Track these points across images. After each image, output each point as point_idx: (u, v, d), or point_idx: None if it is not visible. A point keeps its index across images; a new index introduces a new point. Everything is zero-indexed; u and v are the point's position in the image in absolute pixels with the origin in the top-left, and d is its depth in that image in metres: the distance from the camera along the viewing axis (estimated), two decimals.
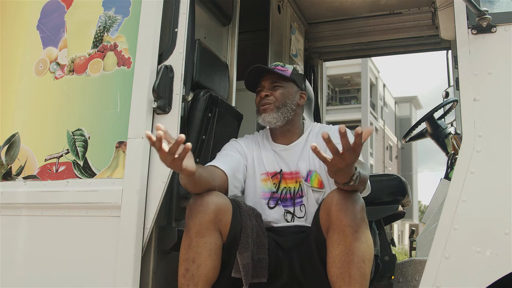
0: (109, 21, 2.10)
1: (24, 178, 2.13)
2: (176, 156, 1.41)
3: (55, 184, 2.04)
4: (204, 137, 2.10)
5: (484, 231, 1.55)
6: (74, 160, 2.04)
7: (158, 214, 1.83)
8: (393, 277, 2.43)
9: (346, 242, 1.58)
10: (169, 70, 1.91)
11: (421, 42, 3.43)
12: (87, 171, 2.00)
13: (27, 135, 2.18)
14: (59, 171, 2.06)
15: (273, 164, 2.00)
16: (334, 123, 2.34)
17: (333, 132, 1.85)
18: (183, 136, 1.37)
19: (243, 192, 2.00)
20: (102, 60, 2.07)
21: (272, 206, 1.95)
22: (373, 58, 25.10)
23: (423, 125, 2.79)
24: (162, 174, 1.84)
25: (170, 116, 1.88)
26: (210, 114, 2.12)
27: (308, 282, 1.78)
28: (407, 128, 2.94)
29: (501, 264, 1.51)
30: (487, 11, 1.64)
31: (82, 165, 2.02)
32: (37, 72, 2.22)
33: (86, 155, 2.02)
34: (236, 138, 2.17)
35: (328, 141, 1.36)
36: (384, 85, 30.66)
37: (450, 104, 2.70)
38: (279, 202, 1.95)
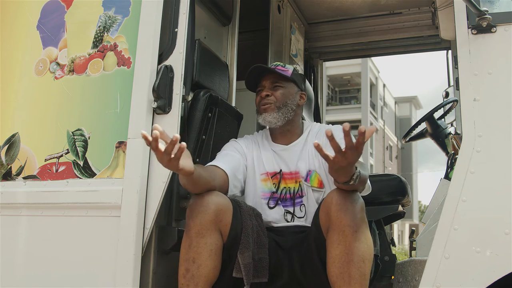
0: (109, 21, 2.10)
1: (24, 178, 2.13)
2: (172, 156, 1.41)
3: (55, 184, 2.04)
4: (204, 137, 2.10)
5: (484, 231, 1.55)
6: (74, 160, 2.04)
7: (158, 214, 1.83)
8: (393, 277, 2.43)
9: (345, 242, 1.58)
10: (169, 70, 1.91)
11: (421, 42, 3.43)
12: (87, 171, 2.00)
13: (27, 135, 2.18)
14: (59, 171, 2.06)
15: (273, 164, 2.00)
16: (334, 123, 2.34)
17: (335, 131, 1.85)
18: (177, 135, 1.37)
19: (242, 192, 2.00)
20: (102, 60, 2.07)
21: (272, 206, 1.95)
22: (373, 58, 25.10)
23: (423, 125, 2.79)
24: (162, 174, 1.84)
25: (170, 116, 1.88)
26: (210, 114, 2.12)
27: (308, 282, 1.78)
28: (407, 128, 2.94)
29: (501, 264, 1.51)
30: (487, 11, 1.64)
31: (82, 165, 2.02)
32: (37, 72, 2.22)
33: (86, 155, 2.02)
34: (236, 138, 2.17)
35: (331, 138, 1.36)
36: (384, 85, 30.66)
37: (450, 104, 2.70)
38: (279, 202, 1.95)
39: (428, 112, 2.72)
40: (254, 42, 3.22)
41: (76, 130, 2.06)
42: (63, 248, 1.97)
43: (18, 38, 2.33)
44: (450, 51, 3.10)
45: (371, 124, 25.50)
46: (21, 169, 2.15)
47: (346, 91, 30.17)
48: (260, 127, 2.15)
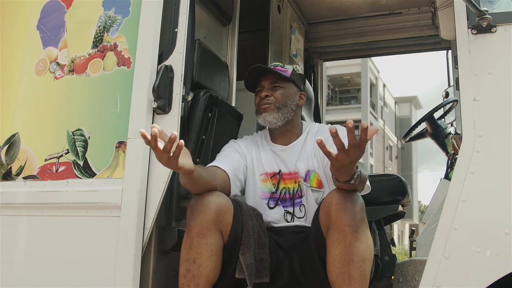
0: (109, 21, 2.10)
1: (24, 178, 2.13)
2: (171, 154, 1.42)
3: (55, 184, 2.04)
4: (204, 137, 2.10)
5: (484, 231, 1.55)
6: (74, 160, 2.04)
7: (158, 214, 1.83)
8: (393, 277, 2.43)
9: (345, 242, 1.58)
10: (169, 70, 1.91)
11: (421, 42, 3.43)
12: (87, 171, 2.00)
13: (27, 135, 2.18)
14: (59, 171, 2.06)
15: (272, 165, 2.00)
16: (334, 123, 2.34)
17: (338, 130, 1.85)
18: (175, 133, 1.38)
19: (243, 192, 2.00)
20: (102, 60, 2.07)
21: (272, 206, 1.95)
22: (373, 58, 25.10)
23: (423, 125, 2.79)
24: (162, 174, 1.84)
25: (170, 116, 1.88)
26: (210, 114, 2.12)
27: (308, 282, 1.78)
28: (407, 128, 2.93)
29: (501, 264, 1.51)
30: (487, 11, 1.64)
31: (82, 165, 2.02)
32: (37, 72, 2.22)
33: (86, 155, 2.02)
34: (236, 138, 2.17)
35: (335, 135, 1.36)
36: (384, 85, 30.66)
37: (450, 104, 2.70)
38: (279, 202, 1.95)
39: (428, 112, 2.72)
40: (254, 42, 3.22)
41: (76, 130, 2.06)
42: (63, 248, 1.97)
43: (18, 38, 2.33)
44: (450, 51, 3.10)
45: (371, 124, 25.51)
46: (21, 169, 2.15)
47: (346, 91, 30.16)
48: (260, 127, 2.15)
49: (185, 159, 1.51)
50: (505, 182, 1.56)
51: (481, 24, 1.66)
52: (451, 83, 2.92)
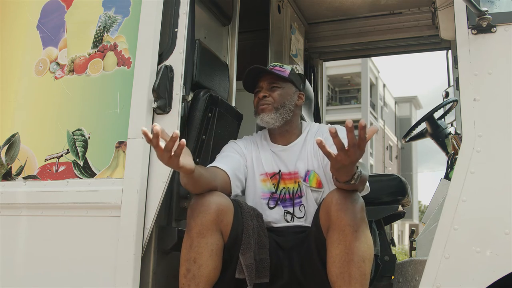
0: (109, 21, 2.10)
1: (24, 178, 2.13)
2: (172, 153, 1.42)
3: (55, 184, 2.04)
4: (204, 137, 2.10)
5: (484, 231, 1.55)
6: (74, 160, 2.04)
7: (158, 214, 1.83)
8: (393, 277, 2.43)
9: (346, 242, 1.58)
10: (169, 70, 1.91)
11: (421, 42, 3.43)
12: (87, 171, 2.00)
13: (27, 135, 2.18)
14: (59, 171, 2.06)
15: (272, 165, 2.00)
16: (334, 123, 2.34)
17: (337, 130, 1.85)
18: (177, 132, 1.38)
19: (243, 191, 2.00)
20: (102, 60, 2.07)
21: (272, 206, 1.95)
22: (373, 58, 25.10)
23: (423, 125, 2.79)
24: (162, 174, 1.84)
25: (170, 116, 1.88)
26: (210, 114, 2.12)
27: (308, 282, 1.78)
28: (407, 128, 2.94)
29: (501, 264, 1.51)
30: (487, 11, 1.64)
31: (82, 165, 2.02)
32: (37, 72, 2.22)
33: (86, 155, 2.02)
34: (236, 138, 2.17)
35: (334, 135, 1.35)
36: (384, 85, 30.66)
37: (450, 104, 2.70)
38: (279, 202, 1.95)
39: (428, 112, 2.72)
40: (254, 42, 3.23)
41: (76, 130, 2.06)
42: (63, 248, 1.97)
43: (18, 38, 2.33)
44: (450, 51, 3.11)
45: (371, 124, 25.50)
46: (21, 169, 2.15)
47: (346, 91, 30.16)
48: (260, 128, 2.14)
49: (186, 159, 1.51)
50: (505, 182, 1.56)
51: (481, 24, 1.66)
52: (451, 83, 2.92)
